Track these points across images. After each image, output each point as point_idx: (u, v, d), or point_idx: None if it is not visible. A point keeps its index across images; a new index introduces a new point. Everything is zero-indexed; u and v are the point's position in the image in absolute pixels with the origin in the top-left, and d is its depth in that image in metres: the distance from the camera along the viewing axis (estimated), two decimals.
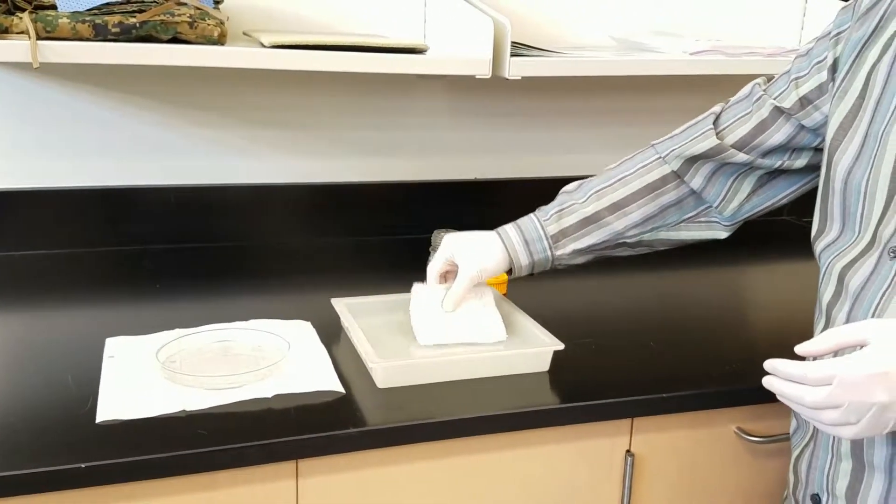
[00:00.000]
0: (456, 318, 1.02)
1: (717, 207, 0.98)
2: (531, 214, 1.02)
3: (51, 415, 0.86)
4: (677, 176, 0.97)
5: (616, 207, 0.98)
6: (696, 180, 0.97)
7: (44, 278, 1.28)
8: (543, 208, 1.02)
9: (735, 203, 0.97)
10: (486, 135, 1.56)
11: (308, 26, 1.39)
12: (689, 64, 1.33)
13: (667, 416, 1.01)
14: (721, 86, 1.64)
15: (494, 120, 1.56)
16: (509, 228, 1.01)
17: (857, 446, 0.79)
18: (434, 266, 1.04)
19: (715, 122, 0.95)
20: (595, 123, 1.62)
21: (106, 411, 0.86)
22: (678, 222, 0.99)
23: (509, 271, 1.03)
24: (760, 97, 0.93)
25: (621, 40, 1.52)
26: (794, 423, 0.92)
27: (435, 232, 1.25)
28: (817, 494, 0.85)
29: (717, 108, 0.97)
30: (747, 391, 1.01)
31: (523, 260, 1.00)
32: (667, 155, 0.97)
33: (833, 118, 0.84)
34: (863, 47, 0.83)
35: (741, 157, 0.93)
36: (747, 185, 0.96)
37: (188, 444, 0.82)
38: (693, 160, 0.96)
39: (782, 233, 1.67)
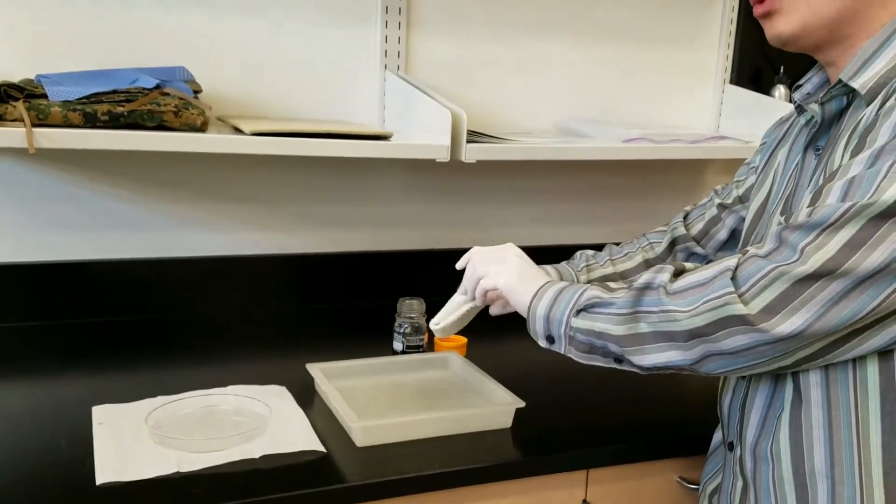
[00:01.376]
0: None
1: None
2: (565, 263, 1.16)
3: (52, 479, 0.91)
4: (663, 259, 1.17)
5: (623, 276, 1.15)
6: None
7: (21, 351, 1.31)
8: (572, 262, 1.17)
9: None
10: (440, 209, 1.69)
11: (276, 112, 1.50)
12: (622, 150, 1.49)
13: (618, 467, 1.11)
14: (648, 167, 1.83)
15: (448, 196, 1.69)
16: (552, 271, 1.12)
17: (741, 464, 0.92)
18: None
19: (684, 218, 1.16)
20: (540, 199, 1.77)
21: (105, 474, 0.91)
22: None
23: None
24: (711, 199, 1.14)
25: (561, 126, 1.68)
26: (709, 459, 1.05)
27: (400, 300, 1.35)
28: None
29: (688, 208, 1.17)
30: (687, 443, 1.13)
31: None
32: (654, 241, 1.18)
33: (749, 209, 1.01)
34: (774, 149, 1.00)
35: (699, 249, 1.13)
36: None
37: (185, 502, 0.88)
38: (671, 247, 1.16)
39: None
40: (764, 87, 1.85)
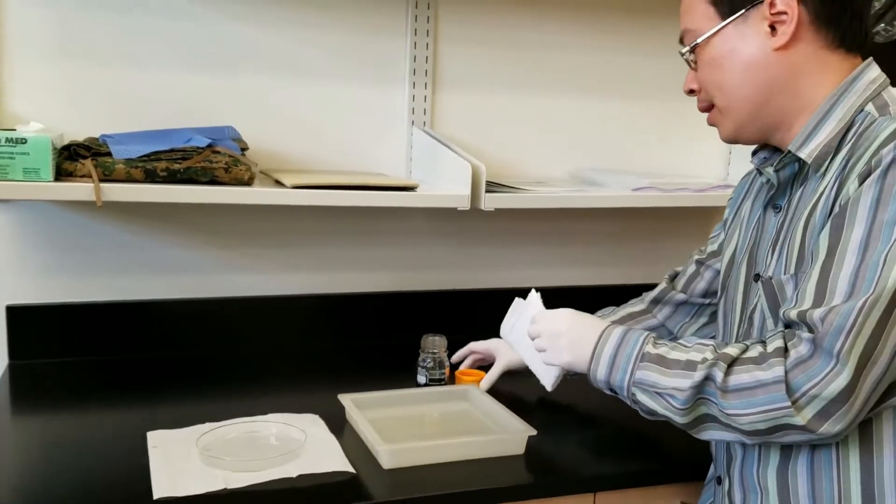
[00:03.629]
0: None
1: (676, 334, 1.32)
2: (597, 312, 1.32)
3: (115, 495, 1.03)
4: (649, 311, 1.33)
5: (632, 316, 1.33)
6: (659, 317, 1.32)
7: (84, 383, 1.45)
8: (602, 311, 1.35)
9: (688, 333, 1.30)
10: (461, 253, 1.81)
11: (313, 164, 1.65)
12: (632, 199, 1.61)
13: (624, 490, 1.20)
14: (657, 214, 1.93)
15: (468, 240, 1.81)
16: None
17: (730, 497, 1.01)
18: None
19: (672, 279, 1.31)
20: (554, 243, 1.88)
21: (161, 490, 1.03)
22: (672, 333, 1.34)
23: None
24: (692, 257, 1.27)
25: (575, 175, 1.80)
26: (704, 489, 1.14)
27: (424, 336, 1.46)
28: None
29: (679, 269, 1.31)
30: (691, 470, 1.22)
31: None
32: (645, 297, 1.35)
33: (722, 260, 1.12)
34: (740, 204, 1.11)
35: (682, 296, 1.27)
36: (695, 325, 1.29)
37: None
38: (654, 303, 1.33)
39: None
40: None
